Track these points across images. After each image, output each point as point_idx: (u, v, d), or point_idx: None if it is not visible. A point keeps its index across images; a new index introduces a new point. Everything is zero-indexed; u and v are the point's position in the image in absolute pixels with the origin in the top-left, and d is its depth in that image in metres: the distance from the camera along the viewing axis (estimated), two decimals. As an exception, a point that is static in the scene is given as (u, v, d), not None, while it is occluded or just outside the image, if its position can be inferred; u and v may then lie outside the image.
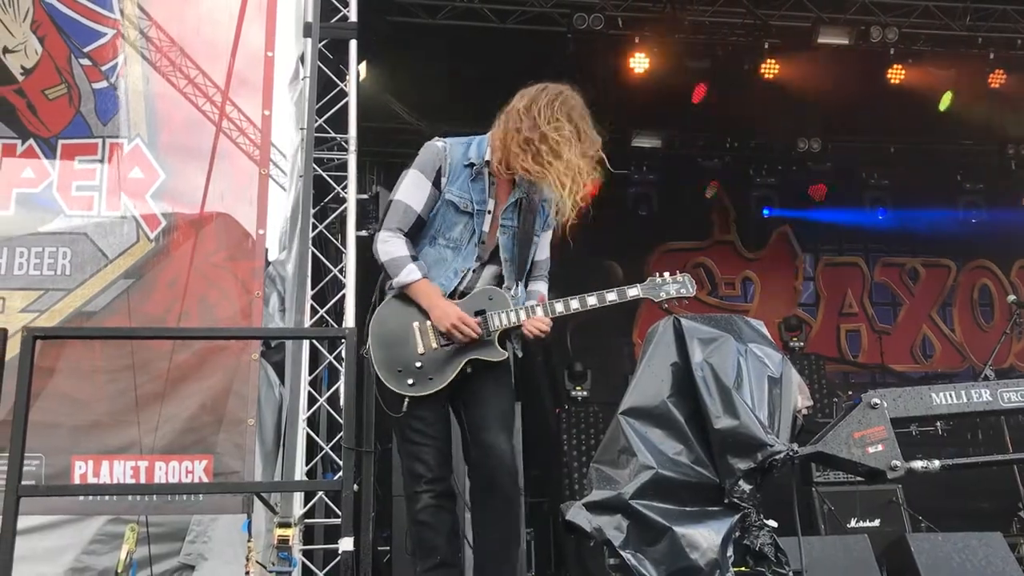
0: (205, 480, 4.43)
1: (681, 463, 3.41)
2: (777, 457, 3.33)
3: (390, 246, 3.53)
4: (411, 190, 3.57)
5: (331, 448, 5.15)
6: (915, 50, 8.66)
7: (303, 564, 4.82)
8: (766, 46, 8.54)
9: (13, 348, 3.30)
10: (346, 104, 5.61)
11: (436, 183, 3.56)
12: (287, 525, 4.45)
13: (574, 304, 3.57)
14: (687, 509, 3.37)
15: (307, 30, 5.50)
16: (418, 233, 3.60)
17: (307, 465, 5.00)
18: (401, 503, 5.97)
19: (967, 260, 11.23)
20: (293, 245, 5.28)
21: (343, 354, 4.63)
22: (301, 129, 5.43)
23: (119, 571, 4.28)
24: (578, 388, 8.82)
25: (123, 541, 4.36)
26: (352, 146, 5.52)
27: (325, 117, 5.59)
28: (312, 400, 5.17)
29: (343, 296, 5.29)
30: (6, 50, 4.84)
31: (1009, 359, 10.03)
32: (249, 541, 4.11)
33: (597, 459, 3.60)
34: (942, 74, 8.90)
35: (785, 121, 9.48)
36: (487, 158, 3.58)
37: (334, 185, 5.58)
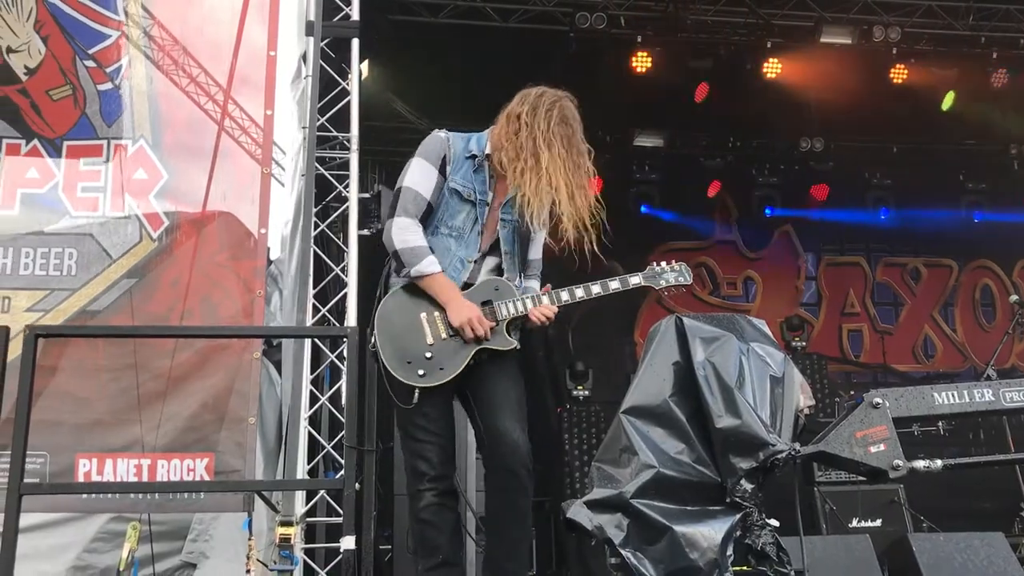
0: (206, 478, 4.43)
1: (683, 462, 3.41)
2: (779, 456, 3.33)
3: (408, 234, 3.51)
4: (419, 177, 3.57)
5: (333, 447, 5.15)
6: (918, 50, 8.65)
7: (305, 563, 4.82)
8: (768, 45, 8.53)
9: (17, 348, 3.30)
10: (348, 103, 5.61)
11: (441, 171, 3.58)
12: (289, 524, 4.46)
13: (579, 292, 3.60)
14: (688, 508, 3.37)
15: (309, 29, 5.50)
16: (425, 222, 3.60)
17: (309, 464, 5.00)
18: (402, 502, 5.98)
19: (969, 260, 11.22)
20: (295, 244, 5.28)
21: (345, 353, 4.64)
22: (303, 128, 5.43)
23: (121, 569, 4.28)
24: (580, 387, 8.83)
25: (125, 539, 4.36)
26: (354, 145, 5.52)
27: (327, 116, 5.59)
28: (314, 399, 5.18)
29: (345, 295, 5.29)
30: (9, 50, 4.84)
31: (1011, 359, 10.02)
32: (250, 539, 4.11)
33: (598, 458, 3.60)
34: (945, 74, 8.89)
35: (787, 120, 9.47)
36: (488, 152, 3.61)
37: (336, 184, 5.58)
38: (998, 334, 9.35)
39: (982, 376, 6.96)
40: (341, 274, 5.47)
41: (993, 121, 9.53)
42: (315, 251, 5.34)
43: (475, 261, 3.59)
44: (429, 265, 3.48)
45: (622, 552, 3.30)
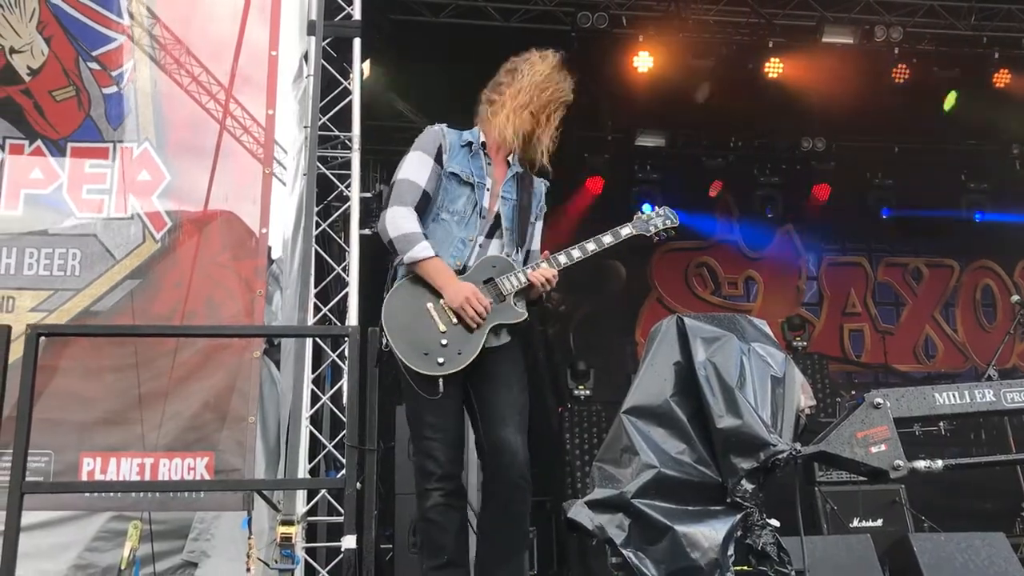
0: (207, 477, 4.44)
1: (684, 462, 3.41)
2: (780, 456, 3.32)
3: (401, 221, 3.55)
4: (414, 168, 3.64)
5: (334, 446, 5.15)
6: (920, 49, 8.65)
7: (306, 562, 4.82)
8: (770, 45, 8.53)
9: (20, 348, 3.31)
10: (350, 102, 5.62)
11: (438, 159, 3.64)
12: (290, 523, 4.46)
13: (576, 253, 3.66)
14: (689, 508, 3.36)
15: (311, 28, 5.51)
16: (423, 212, 3.63)
17: (310, 463, 5.00)
18: (403, 501, 5.99)
19: (970, 260, 11.21)
20: (296, 243, 5.28)
21: (346, 352, 4.65)
22: (305, 127, 5.44)
23: (122, 568, 4.28)
24: (581, 387, 8.83)
25: (126, 538, 4.36)
26: (356, 144, 5.53)
27: (329, 115, 5.60)
28: (315, 398, 5.19)
29: (346, 294, 5.30)
30: (12, 50, 4.84)
31: (1012, 359, 10.01)
32: (250, 538, 4.11)
33: (599, 458, 3.60)
34: (947, 74, 8.88)
35: (789, 120, 9.47)
36: (483, 140, 3.72)
37: (338, 183, 5.59)
38: (999, 334, 9.34)
39: (983, 376, 6.95)
40: (343, 273, 5.48)
41: (995, 121, 9.53)
42: (317, 250, 5.35)
43: (479, 244, 3.62)
44: (422, 250, 3.50)
45: (623, 552, 3.30)
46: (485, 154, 3.71)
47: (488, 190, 3.66)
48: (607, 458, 3.55)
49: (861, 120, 9.54)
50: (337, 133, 5.61)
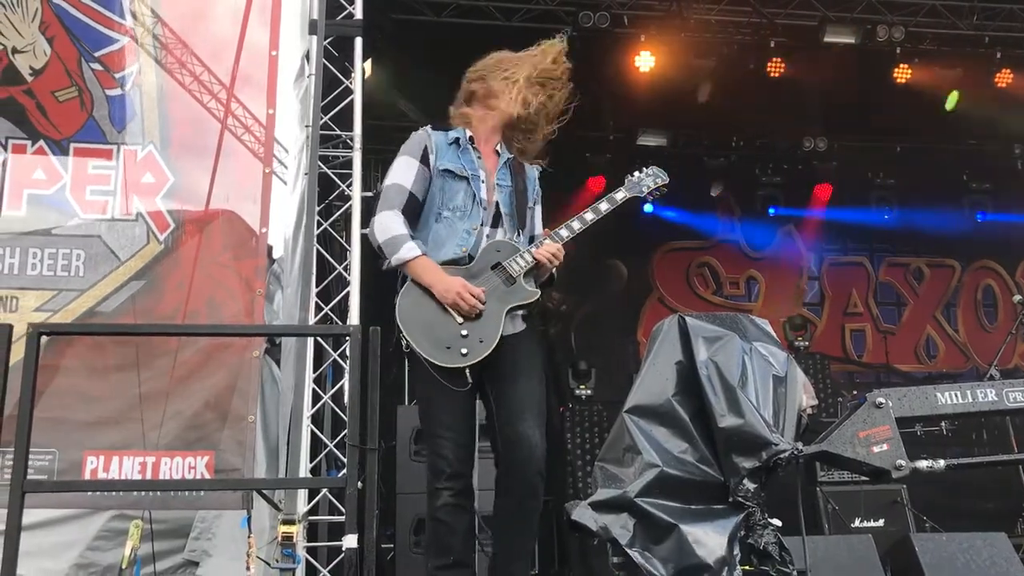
0: (207, 476, 4.44)
1: (686, 461, 3.40)
2: (782, 456, 3.32)
3: (386, 224, 3.59)
4: (399, 172, 3.70)
5: (335, 445, 5.15)
6: (922, 49, 8.63)
7: (307, 561, 4.82)
8: (772, 45, 8.52)
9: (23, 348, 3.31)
10: (351, 102, 5.62)
11: (424, 161, 3.68)
12: (291, 522, 4.46)
13: (576, 225, 3.69)
14: (692, 507, 3.36)
15: (312, 28, 5.51)
16: (418, 216, 3.67)
17: (311, 462, 5.00)
18: (405, 500, 6.00)
19: (972, 260, 11.21)
20: (298, 243, 5.28)
21: (347, 351, 4.64)
22: (306, 126, 5.44)
23: (123, 567, 4.29)
24: (582, 387, 8.82)
25: (127, 537, 4.37)
26: (357, 144, 5.53)
27: (330, 115, 5.60)
28: (316, 397, 5.18)
29: (347, 294, 5.30)
30: (15, 50, 4.84)
31: (1014, 359, 10.00)
32: (249, 537, 4.11)
33: (601, 457, 3.60)
34: (949, 73, 8.87)
35: (791, 120, 9.46)
36: (470, 135, 3.75)
37: (339, 183, 5.59)
38: (1000, 335, 9.35)
39: (985, 376, 6.94)
40: (344, 273, 5.47)
41: (997, 121, 9.52)
42: (318, 250, 5.34)
43: (485, 235, 3.63)
44: (409, 251, 3.52)
45: (629, 552, 3.29)
46: (474, 148, 3.74)
47: (483, 181, 3.69)
48: (609, 458, 3.54)
49: (863, 120, 9.54)
50: (339, 132, 5.61)
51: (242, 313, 4.66)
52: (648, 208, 10.16)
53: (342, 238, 5.68)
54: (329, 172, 5.56)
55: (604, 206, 3.76)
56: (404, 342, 3.48)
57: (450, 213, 3.63)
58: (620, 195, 3.85)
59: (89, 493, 4.56)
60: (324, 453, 5.19)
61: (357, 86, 5.63)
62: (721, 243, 10.81)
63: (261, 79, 4.96)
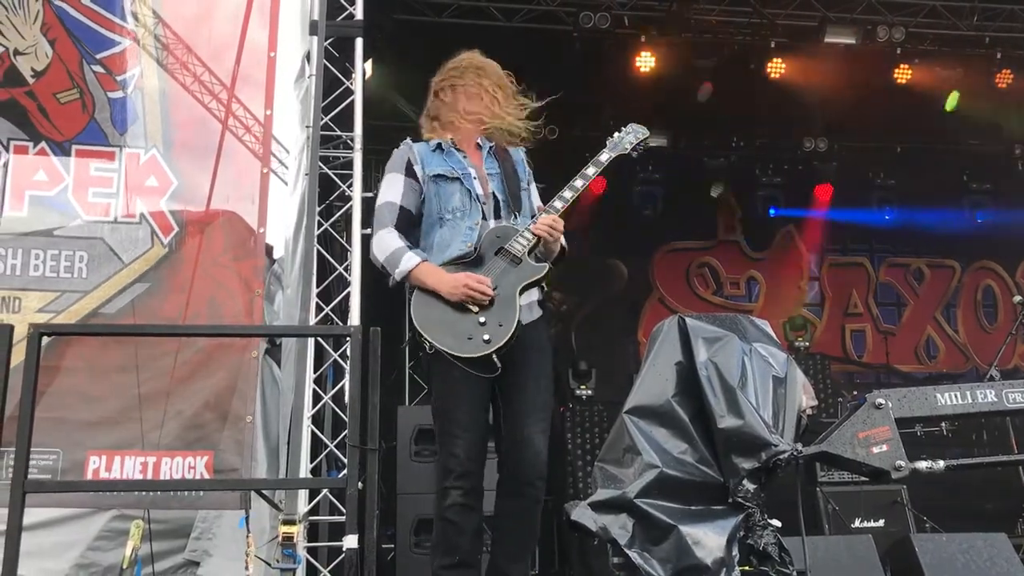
0: (206, 476, 4.45)
1: (686, 462, 3.41)
2: (781, 457, 3.32)
3: (383, 242, 3.63)
4: (387, 189, 3.73)
5: (336, 446, 5.16)
6: (922, 50, 8.65)
7: (307, 561, 4.83)
8: (772, 45, 8.53)
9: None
10: (352, 102, 5.62)
11: (410, 173, 3.71)
12: (292, 522, 4.47)
13: (567, 194, 3.70)
14: (692, 508, 3.37)
15: (313, 28, 5.51)
16: (416, 227, 3.70)
17: (312, 462, 5.01)
18: (406, 501, 5.99)
19: (972, 261, 11.22)
20: (298, 243, 5.29)
21: (348, 352, 4.65)
22: (307, 127, 5.44)
23: (124, 567, 4.29)
24: (582, 387, 8.82)
25: (128, 537, 4.37)
26: (358, 144, 5.53)
27: (331, 115, 5.61)
28: (317, 398, 5.19)
29: (348, 294, 5.30)
30: (16, 52, 4.84)
31: (1014, 360, 10.01)
32: (248, 537, 4.12)
33: (601, 458, 3.60)
34: (949, 74, 8.89)
35: (791, 120, 9.47)
36: (450, 138, 3.79)
37: (339, 183, 5.59)
38: (1000, 335, 9.35)
39: (985, 377, 6.95)
40: (344, 273, 5.48)
41: (997, 122, 9.53)
42: (318, 250, 5.35)
43: (489, 227, 3.64)
44: (408, 261, 3.54)
45: (628, 552, 3.29)
46: (457, 149, 3.77)
47: (475, 177, 3.71)
48: (609, 458, 3.55)
49: (863, 120, 9.54)
50: (339, 133, 5.61)
51: (242, 313, 4.67)
52: (648, 209, 10.19)
53: (343, 238, 5.68)
54: (330, 172, 5.56)
55: (591, 170, 3.78)
56: (427, 344, 3.46)
57: (450, 215, 3.66)
58: (604, 156, 3.87)
59: (89, 493, 4.57)
60: (324, 453, 5.19)
61: (358, 87, 5.63)
62: (721, 243, 10.82)
63: (261, 79, 4.96)
